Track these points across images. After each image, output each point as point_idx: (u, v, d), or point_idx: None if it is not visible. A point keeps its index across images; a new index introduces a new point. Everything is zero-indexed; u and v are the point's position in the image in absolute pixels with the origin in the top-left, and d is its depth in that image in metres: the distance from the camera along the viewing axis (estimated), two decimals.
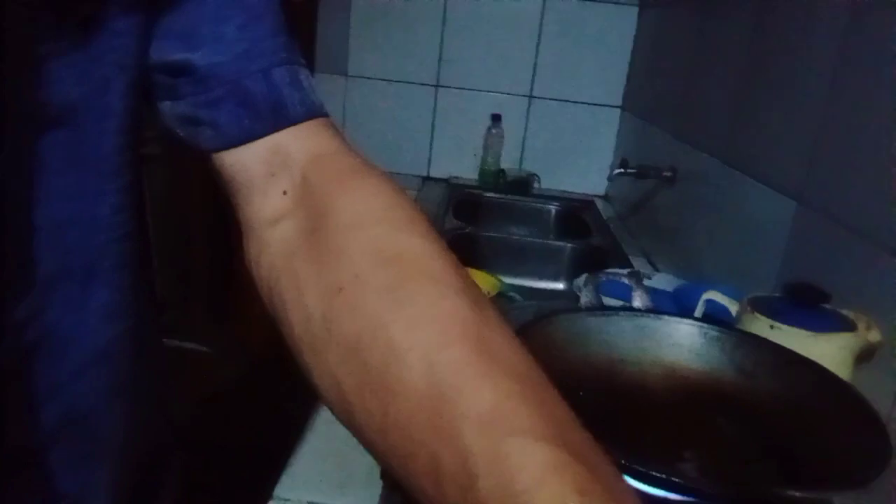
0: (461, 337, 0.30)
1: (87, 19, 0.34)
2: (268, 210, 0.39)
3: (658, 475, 0.39)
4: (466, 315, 0.31)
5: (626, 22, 1.77)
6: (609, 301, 0.71)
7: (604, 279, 0.63)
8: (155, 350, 0.50)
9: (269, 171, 0.39)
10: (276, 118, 0.39)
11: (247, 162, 0.39)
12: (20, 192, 0.34)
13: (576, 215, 1.73)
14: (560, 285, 1.45)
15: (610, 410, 0.52)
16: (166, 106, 0.41)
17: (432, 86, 1.89)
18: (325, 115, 0.42)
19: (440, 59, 1.86)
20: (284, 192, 0.39)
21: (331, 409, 0.35)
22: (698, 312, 0.72)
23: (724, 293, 0.73)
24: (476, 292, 0.34)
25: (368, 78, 1.89)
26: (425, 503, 0.29)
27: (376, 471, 0.56)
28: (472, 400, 0.28)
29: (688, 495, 0.39)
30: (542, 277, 1.46)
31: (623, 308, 0.60)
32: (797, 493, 0.37)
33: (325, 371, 0.34)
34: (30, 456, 0.39)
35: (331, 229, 0.36)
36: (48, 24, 0.32)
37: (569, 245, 1.47)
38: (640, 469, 0.39)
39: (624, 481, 0.28)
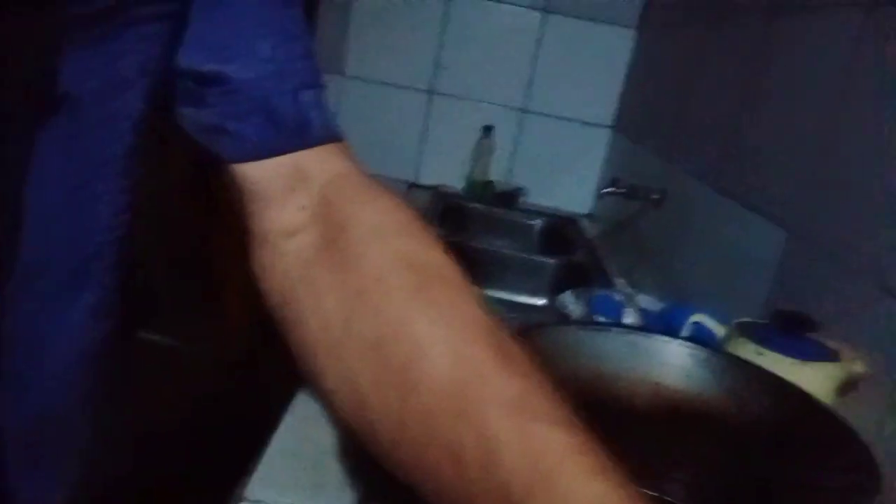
0: (482, 337, 0.32)
1: (114, 17, 0.34)
2: (285, 222, 0.40)
3: (648, 493, 0.38)
4: (485, 320, 0.34)
5: (622, 43, 1.79)
6: (599, 318, 0.71)
7: (595, 294, 0.62)
8: (129, 353, 0.49)
9: (288, 187, 0.40)
10: (301, 137, 0.40)
11: (267, 176, 0.40)
12: (15, 175, 0.33)
13: (560, 231, 1.73)
14: (540, 301, 1.45)
15: (596, 426, 0.51)
16: (190, 112, 0.40)
17: (426, 92, 1.88)
18: (342, 138, 0.44)
19: (436, 66, 1.86)
20: (303, 207, 0.40)
21: (338, 411, 0.35)
22: (685, 334, 0.72)
23: (709, 316, 0.73)
24: (488, 303, 0.35)
25: (365, 80, 1.88)
26: (437, 488, 0.30)
27: (352, 473, 0.54)
28: (498, 388, 0.30)
29: None
30: (522, 292, 1.46)
31: (614, 324, 0.60)
32: None
33: (340, 370, 0.34)
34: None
35: (351, 240, 0.37)
36: (74, 14, 0.32)
37: (551, 261, 1.47)
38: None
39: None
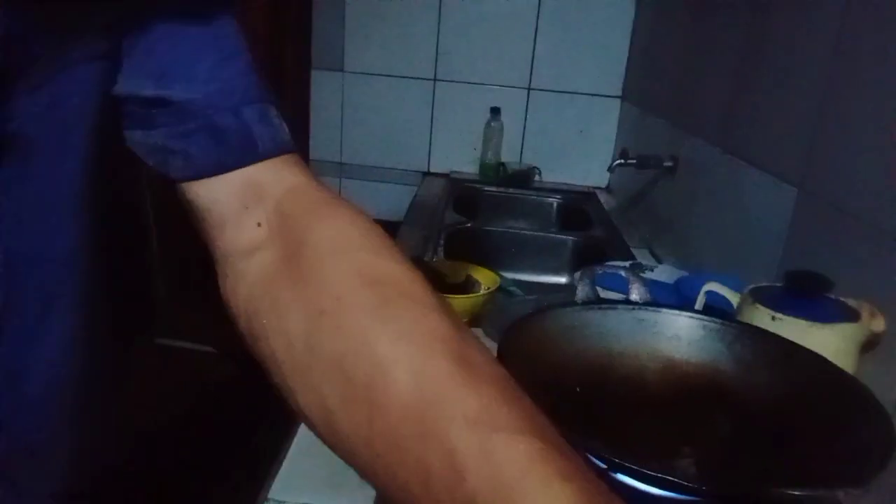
0: (444, 351, 0.32)
1: (50, 63, 0.34)
2: (243, 241, 0.39)
3: (654, 474, 0.38)
4: (447, 332, 0.33)
5: (623, 11, 1.75)
6: (606, 294, 0.70)
7: (600, 272, 0.61)
8: (114, 377, 0.50)
9: (242, 204, 0.40)
10: (246, 153, 0.40)
11: (220, 194, 0.40)
12: None
13: (577, 208, 1.71)
14: (562, 279, 1.44)
15: (607, 405, 0.51)
16: (138, 135, 0.41)
17: (430, 80, 1.87)
18: (294, 151, 0.43)
19: (437, 53, 1.84)
20: (259, 224, 0.39)
21: (313, 428, 0.35)
22: (699, 304, 0.71)
23: (726, 284, 0.71)
24: (453, 313, 0.35)
25: (365, 73, 1.88)
26: None
27: None
28: (457, 404, 0.30)
29: (686, 494, 0.38)
30: (543, 271, 1.45)
31: (620, 301, 0.59)
32: (798, 492, 0.35)
33: (308, 390, 0.34)
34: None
35: (310, 256, 0.37)
36: (13, 61, 0.32)
37: (570, 238, 1.46)
38: (636, 467, 0.38)
39: (593, 470, 0.30)
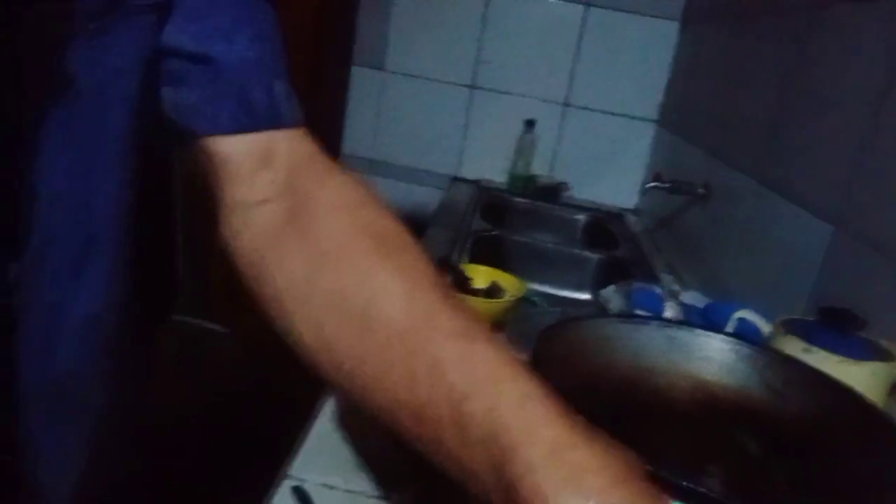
0: (433, 286, 0.39)
1: (111, 10, 0.38)
2: (255, 194, 0.44)
3: (681, 484, 0.39)
4: (433, 274, 0.40)
5: (666, 36, 1.76)
6: (639, 311, 0.70)
7: (636, 288, 0.62)
8: (145, 321, 0.53)
9: (259, 163, 0.44)
10: (271, 122, 0.45)
11: (240, 151, 0.44)
12: (23, 160, 0.37)
13: (604, 226, 1.71)
14: (584, 295, 1.44)
15: (634, 418, 0.52)
16: (170, 92, 0.44)
17: (468, 86, 1.89)
18: (304, 126, 0.48)
19: (477, 61, 1.86)
20: (271, 182, 0.44)
21: (306, 350, 0.40)
22: (729, 331, 0.71)
23: (755, 312, 0.72)
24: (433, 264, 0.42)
25: (405, 74, 1.90)
26: (394, 408, 0.36)
27: (392, 454, 0.56)
28: (445, 321, 0.37)
29: None
30: (565, 285, 1.45)
31: (654, 317, 0.60)
32: None
33: (305, 318, 0.40)
34: (11, 414, 0.41)
35: (315, 212, 0.42)
36: (77, 8, 0.35)
37: (595, 255, 1.46)
38: (667, 477, 0.38)
39: None
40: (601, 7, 1.77)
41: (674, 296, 0.60)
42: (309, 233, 0.42)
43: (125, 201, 0.44)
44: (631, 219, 1.78)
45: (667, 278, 1.32)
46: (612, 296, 0.60)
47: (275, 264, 0.42)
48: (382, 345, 0.37)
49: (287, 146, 0.45)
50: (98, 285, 0.44)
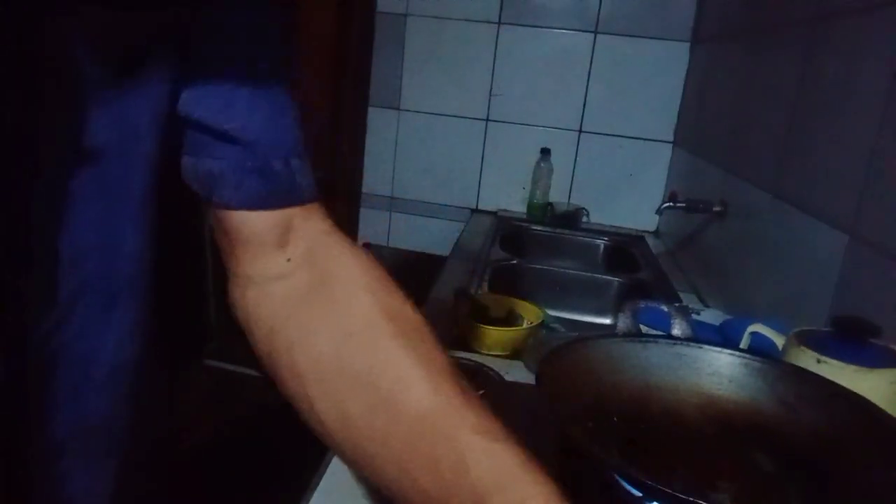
0: (450, 378, 0.40)
1: (128, 80, 0.40)
2: (273, 268, 0.46)
3: (690, 500, 0.38)
4: (451, 366, 0.41)
5: (677, 57, 1.77)
6: (648, 330, 0.70)
7: (642, 306, 0.62)
8: (174, 366, 0.55)
9: (278, 239, 0.46)
10: (291, 197, 0.46)
11: (261, 226, 0.46)
12: (49, 221, 0.38)
13: (625, 250, 1.71)
14: (606, 320, 1.43)
15: (644, 436, 0.51)
16: (190, 161, 0.46)
17: (482, 119, 1.92)
18: (319, 199, 0.50)
19: (490, 94, 1.89)
20: (289, 260, 0.46)
21: (325, 431, 0.41)
22: (744, 345, 0.70)
23: (772, 327, 0.71)
24: (446, 349, 0.43)
25: (420, 112, 1.94)
26: (413, 492, 0.37)
27: None
28: (466, 417, 0.38)
29: None
30: (587, 311, 1.45)
31: (661, 336, 0.59)
32: None
33: (330, 397, 0.41)
34: (45, 459, 0.43)
35: (338, 288, 0.44)
36: (93, 73, 0.37)
37: (616, 280, 1.45)
38: (672, 493, 0.38)
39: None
40: (610, 34, 1.79)
41: (684, 313, 0.60)
42: (334, 309, 0.43)
43: (149, 254, 0.46)
44: (652, 241, 1.77)
45: (689, 298, 1.31)
46: (620, 316, 0.60)
47: (298, 338, 0.43)
48: (408, 429, 0.38)
49: (305, 222, 0.46)
50: (125, 335, 0.45)
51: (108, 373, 0.45)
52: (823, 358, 0.59)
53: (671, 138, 1.83)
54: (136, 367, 0.47)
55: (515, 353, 0.96)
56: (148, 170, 0.43)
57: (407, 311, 0.43)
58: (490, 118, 1.91)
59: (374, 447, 0.39)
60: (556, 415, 0.45)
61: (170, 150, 0.45)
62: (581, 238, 1.79)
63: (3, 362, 0.37)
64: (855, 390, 0.51)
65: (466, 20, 1.85)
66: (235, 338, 0.47)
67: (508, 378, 0.84)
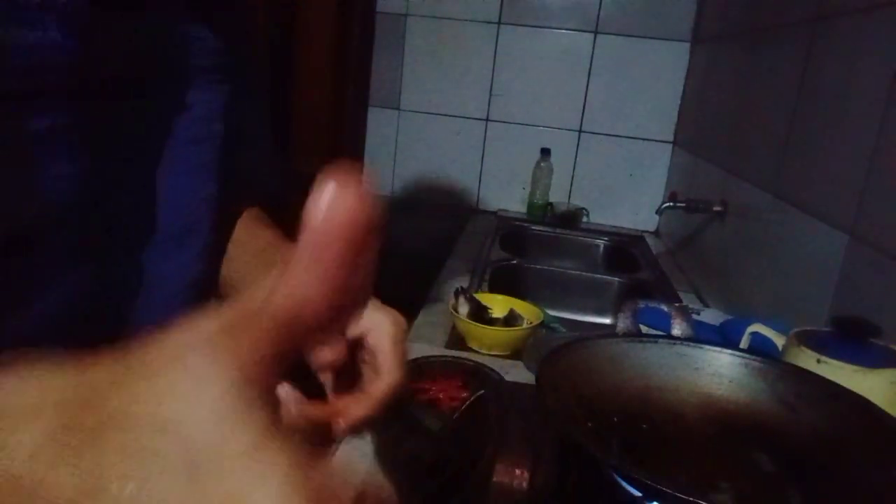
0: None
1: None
2: None
3: (691, 500, 0.38)
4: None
5: (677, 57, 1.77)
6: (648, 330, 0.70)
7: (642, 306, 0.62)
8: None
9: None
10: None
11: None
12: (154, 165, 0.49)
13: (625, 250, 1.71)
14: (606, 320, 1.43)
15: (644, 436, 0.51)
16: None
17: (482, 120, 1.92)
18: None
19: (490, 94, 1.89)
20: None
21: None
22: (743, 345, 0.70)
23: (773, 327, 0.71)
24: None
25: (420, 112, 1.94)
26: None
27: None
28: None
29: None
30: (588, 311, 1.45)
31: (661, 336, 0.59)
32: None
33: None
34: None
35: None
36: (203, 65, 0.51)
37: (616, 279, 1.46)
38: (672, 492, 0.38)
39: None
40: (610, 34, 1.79)
41: (684, 313, 0.60)
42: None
43: (216, 194, 0.56)
44: (652, 241, 1.77)
45: (689, 298, 1.31)
46: (619, 316, 0.60)
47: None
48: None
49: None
50: (196, 261, 0.55)
51: (183, 290, 0.54)
52: (823, 358, 0.59)
53: (671, 138, 1.83)
54: (204, 287, 0.58)
55: (515, 353, 0.96)
56: (222, 141, 0.54)
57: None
58: (490, 118, 1.91)
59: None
60: (556, 415, 0.45)
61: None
62: (581, 238, 1.79)
63: (99, 277, 0.45)
64: (855, 390, 0.51)
65: (466, 20, 1.85)
66: None
67: (508, 378, 0.84)
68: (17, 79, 0.36)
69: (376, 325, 0.50)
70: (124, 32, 0.43)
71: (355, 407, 0.46)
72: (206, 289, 0.58)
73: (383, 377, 0.48)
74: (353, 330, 0.50)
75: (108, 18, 0.41)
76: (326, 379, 0.50)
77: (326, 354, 0.41)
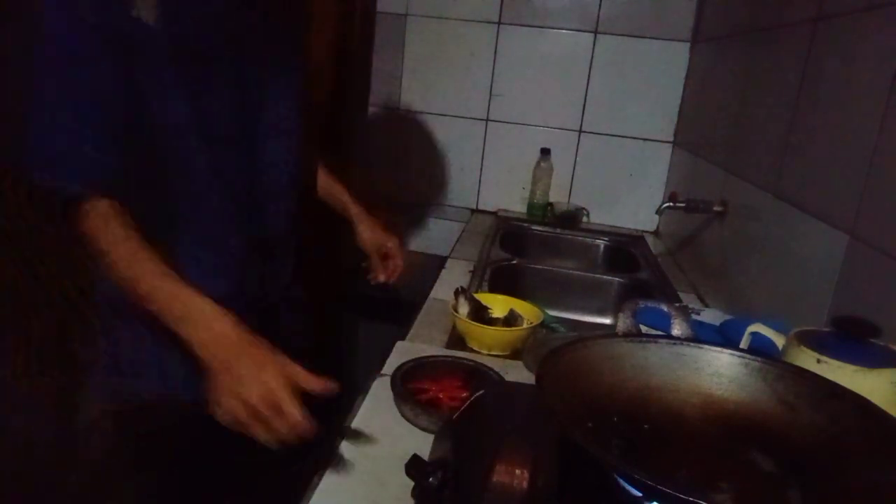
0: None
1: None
2: None
3: (691, 500, 0.38)
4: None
5: (677, 57, 1.77)
6: (648, 330, 0.70)
7: (642, 306, 0.62)
8: None
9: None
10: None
11: None
12: (261, 109, 0.83)
13: (625, 250, 1.71)
14: (606, 320, 1.43)
15: (644, 436, 0.51)
16: None
17: (482, 120, 1.92)
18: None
19: (491, 94, 1.89)
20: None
21: None
22: (744, 345, 0.70)
23: (773, 327, 0.71)
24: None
25: (420, 112, 1.94)
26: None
27: (409, 487, 0.56)
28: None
29: None
30: (588, 311, 1.45)
31: (661, 336, 0.59)
32: None
33: None
34: (267, 247, 0.89)
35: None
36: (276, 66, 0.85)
37: (616, 279, 1.45)
38: (672, 492, 0.38)
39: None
40: (610, 34, 1.79)
41: (684, 313, 0.60)
42: None
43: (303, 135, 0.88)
44: (652, 241, 1.77)
45: (689, 298, 1.31)
46: (619, 316, 0.60)
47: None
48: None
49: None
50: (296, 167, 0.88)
51: (286, 184, 0.87)
52: (823, 358, 0.59)
53: (671, 138, 1.83)
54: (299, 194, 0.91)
55: (515, 353, 0.96)
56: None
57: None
58: (490, 118, 1.91)
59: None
60: (556, 415, 0.45)
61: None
62: (581, 238, 1.79)
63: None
64: (855, 390, 0.51)
65: (466, 20, 1.85)
66: None
67: (508, 378, 0.84)
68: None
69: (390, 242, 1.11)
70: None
71: (390, 271, 1.09)
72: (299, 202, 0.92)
73: (396, 259, 1.10)
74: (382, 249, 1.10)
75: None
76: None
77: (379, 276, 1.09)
